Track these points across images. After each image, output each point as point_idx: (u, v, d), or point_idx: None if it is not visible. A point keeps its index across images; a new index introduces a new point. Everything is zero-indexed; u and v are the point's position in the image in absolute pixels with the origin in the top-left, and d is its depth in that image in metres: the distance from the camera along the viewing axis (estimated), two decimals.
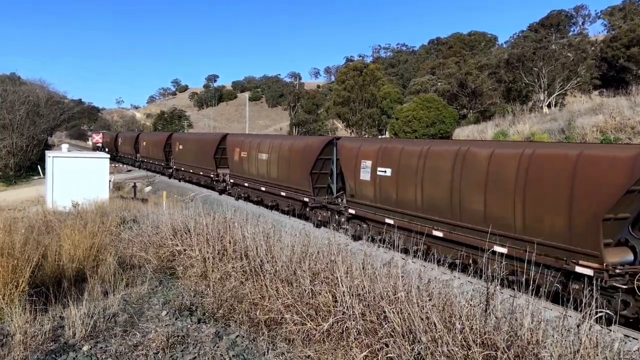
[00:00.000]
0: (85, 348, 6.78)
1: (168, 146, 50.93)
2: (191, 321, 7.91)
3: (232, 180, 34.83)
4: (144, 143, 60.30)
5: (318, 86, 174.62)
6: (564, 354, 5.40)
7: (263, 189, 30.00)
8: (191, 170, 43.61)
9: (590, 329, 5.76)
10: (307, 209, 25.79)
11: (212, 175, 38.49)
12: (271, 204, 29.59)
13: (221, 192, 37.51)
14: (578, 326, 5.85)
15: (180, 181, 47.25)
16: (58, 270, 9.65)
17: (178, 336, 7.18)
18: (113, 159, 64.49)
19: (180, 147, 46.72)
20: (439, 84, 70.37)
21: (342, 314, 7.31)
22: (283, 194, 27.75)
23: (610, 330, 7.74)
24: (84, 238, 10.59)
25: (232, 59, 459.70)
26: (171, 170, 50.05)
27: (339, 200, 23.63)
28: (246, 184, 32.31)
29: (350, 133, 74.72)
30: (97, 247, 10.71)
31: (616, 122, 36.01)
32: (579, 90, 60.14)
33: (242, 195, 33.75)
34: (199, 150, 41.35)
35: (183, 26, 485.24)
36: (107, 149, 75.23)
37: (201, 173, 41.02)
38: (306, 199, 25.48)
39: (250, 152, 31.33)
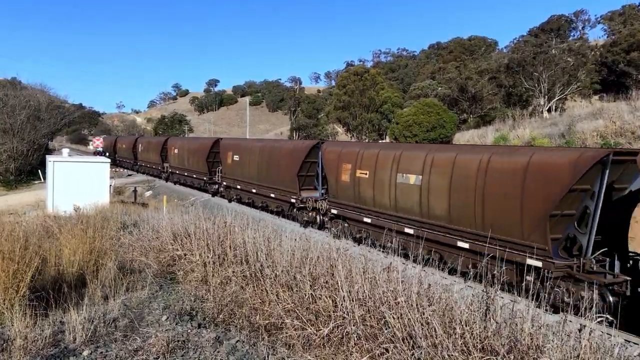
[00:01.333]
0: (85, 353, 6.78)
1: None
2: (191, 326, 7.90)
3: (224, 183, 35.85)
4: (141, 147, 60.59)
5: (318, 91, 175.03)
6: (564, 359, 5.40)
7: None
8: (185, 174, 44.67)
9: (590, 334, 5.77)
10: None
11: (205, 178, 39.62)
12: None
13: (214, 194, 38.55)
14: (580, 330, 5.85)
15: (175, 184, 48.14)
16: (58, 274, 9.65)
17: (178, 341, 7.18)
18: (113, 163, 64.64)
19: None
20: (439, 88, 70.46)
21: (342, 319, 7.32)
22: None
23: (611, 335, 7.77)
24: (84, 243, 10.60)
25: (232, 63, 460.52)
26: (167, 173, 50.74)
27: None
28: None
29: (351, 138, 74.80)
30: (98, 251, 10.71)
31: (616, 126, 36.05)
32: (579, 94, 60.23)
33: (235, 197, 34.75)
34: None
35: (183, 31, 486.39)
36: (107, 153, 75.32)
37: (195, 176, 42.20)
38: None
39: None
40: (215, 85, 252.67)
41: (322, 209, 24.48)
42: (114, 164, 66.59)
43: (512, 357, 5.77)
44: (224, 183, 35.87)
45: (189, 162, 43.49)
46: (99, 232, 11.91)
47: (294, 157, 26.63)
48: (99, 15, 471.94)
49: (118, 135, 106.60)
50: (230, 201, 34.84)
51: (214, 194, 38.53)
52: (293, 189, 26.41)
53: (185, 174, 44.62)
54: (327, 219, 24.17)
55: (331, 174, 23.12)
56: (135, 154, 57.91)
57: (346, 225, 22.53)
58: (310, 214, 25.65)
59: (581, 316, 9.30)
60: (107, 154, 73.17)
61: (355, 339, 7.00)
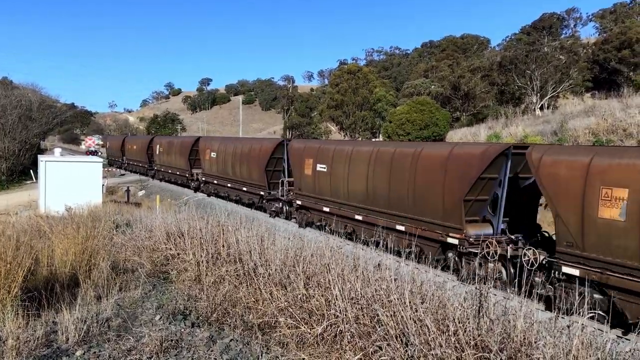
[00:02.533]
0: (78, 353, 6.75)
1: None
2: (185, 325, 7.88)
3: (204, 179, 38.81)
4: (160, 148, 59.73)
5: (311, 89, 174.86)
6: (556, 356, 5.42)
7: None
8: (169, 171, 47.39)
9: (582, 330, 5.79)
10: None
11: (187, 175, 42.45)
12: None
13: (195, 189, 41.24)
14: (569, 327, 5.88)
15: (160, 181, 49.92)
16: (51, 274, 9.60)
17: (172, 340, 7.16)
18: (119, 167, 63.49)
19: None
20: (432, 86, 70.54)
21: (336, 318, 7.32)
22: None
23: (603, 331, 7.83)
24: (77, 243, 10.54)
25: (225, 62, 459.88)
26: (153, 171, 51.93)
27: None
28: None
29: (344, 136, 74.84)
30: (90, 251, 10.65)
31: (608, 124, 36.23)
32: (571, 92, 60.50)
33: (213, 191, 37.57)
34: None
35: (176, 30, 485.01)
36: (97, 153, 74.72)
37: (178, 173, 45.02)
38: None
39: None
40: (208, 84, 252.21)
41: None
42: (121, 167, 64.56)
43: (505, 353, 5.79)
44: (203, 179, 38.72)
45: (173, 160, 46.26)
46: (91, 231, 11.86)
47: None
48: (90, 14, 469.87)
49: (126, 134, 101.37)
50: (209, 195, 37.80)
51: (195, 190, 41.20)
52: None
53: (170, 171, 47.72)
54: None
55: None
56: (151, 156, 51.95)
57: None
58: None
59: (573, 313, 9.36)
60: (110, 157, 71.01)
61: (349, 337, 7.01)
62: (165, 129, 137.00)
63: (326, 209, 22.61)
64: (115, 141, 48.46)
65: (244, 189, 31.48)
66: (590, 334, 5.98)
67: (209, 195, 37.83)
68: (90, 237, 11.44)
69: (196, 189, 41.08)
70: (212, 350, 6.97)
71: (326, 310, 7.58)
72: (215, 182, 36.28)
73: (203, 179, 38.78)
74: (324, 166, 22.73)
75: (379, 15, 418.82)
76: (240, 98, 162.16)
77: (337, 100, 75.18)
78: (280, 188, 27.98)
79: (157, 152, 50.63)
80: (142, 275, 10.41)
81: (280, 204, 28.12)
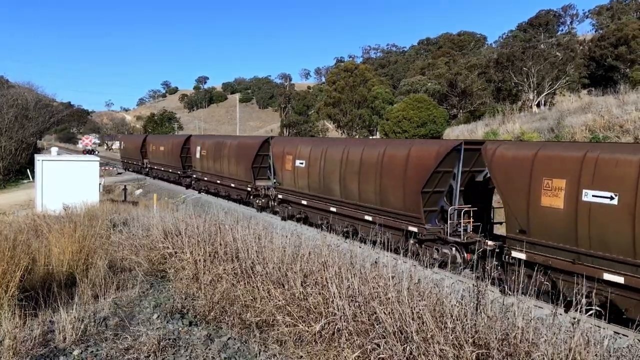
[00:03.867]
0: (75, 352, 6.73)
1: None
2: (182, 324, 7.87)
3: (195, 176, 39.82)
4: (152, 147, 58.95)
5: (308, 87, 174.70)
6: (556, 352, 5.42)
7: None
8: (162, 169, 48.16)
9: (579, 326, 5.79)
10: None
11: (179, 172, 43.30)
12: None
13: (187, 187, 42.04)
14: (573, 324, 5.86)
15: (154, 178, 50.32)
16: (48, 274, 9.57)
17: (169, 339, 7.15)
18: (137, 172, 56.61)
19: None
20: (429, 84, 70.54)
21: (334, 315, 7.31)
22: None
23: (600, 327, 7.85)
24: (74, 242, 10.51)
25: (222, 60, 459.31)
26: (190, 179, 49.00)
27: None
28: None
29: (341, 134, 74.79)
30: (87, 250, 10.63)
31: (605, 120, 36.22)
32: (568, 89, 60.50)
33: (204, 188, 38.61)
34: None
35: (173, 28, 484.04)
36: (96, 152, 74.39)
37: (170, 170, 45.78)
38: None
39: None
40: (205, 83, 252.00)
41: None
42: (140, 172, 54.84)
43: (504, 350, 5.78)
44: (194, 176, 39.71)
45: (165, 158, 46.71)
46: (88, 230, 11.82)
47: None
48: (86, 13, 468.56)
49: (146, 133, 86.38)
50: (199, 192, 38.80)
51: (187, 187, 42.07)
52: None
53: (162, 169, 48.23)
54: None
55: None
56: (185, 160, 42.08)
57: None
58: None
59: (572, 310, 9.37)
60: (126, 159, 61.26)
61: (347, 334, 7.00)
62: (162, 127, 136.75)
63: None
64: (132, 141, 48.27)
65: (233, 185, 32.62)
66: (587, 330, 5.98)
67: (199, 192, 38.97)
68: (87, 236, 11.42)
69: (188, 186, 42.28)
70: (209, 349, 6.96)
71: (324, 308, 7.57)
72: (206, 179, 37.31)
73: (194, 176, 39.88)
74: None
75: (376, 12, 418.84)
76: (237, 96, 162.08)
77: (335, 98, 75.08)
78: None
79: (150, 150, 50.10)
80: (140, 274, 10.38)
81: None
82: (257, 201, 29.89)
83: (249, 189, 30.40)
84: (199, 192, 38.97)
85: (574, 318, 5.99)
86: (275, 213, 28.23)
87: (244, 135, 63.59)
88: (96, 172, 27.64)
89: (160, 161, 48.47)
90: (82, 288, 8.98)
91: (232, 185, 32.79)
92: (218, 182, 35.08)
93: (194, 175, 40.11)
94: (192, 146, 40.25)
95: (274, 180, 28.06)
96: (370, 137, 63.28)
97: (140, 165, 43.71)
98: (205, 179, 37.44)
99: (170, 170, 45.90)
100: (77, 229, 11.46)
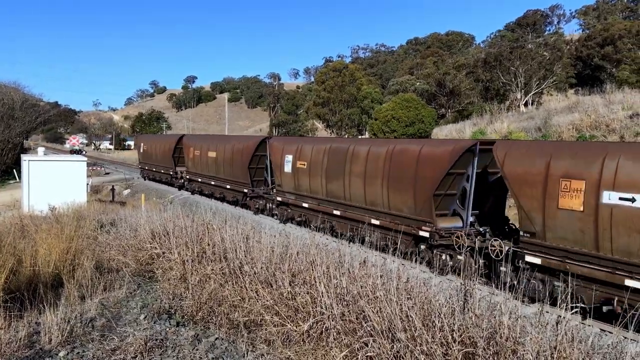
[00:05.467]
0: (61, 354, 6.69)
1: (179, 151, 48.30)
2: (170, 324, 7.84)
3: (188, 177, 38.08)
4: (192, 152, 54.41)
5: (298, 87, 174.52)
6: (542, 350, 5.46)
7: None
8: (154, 169, 45.83)
9: (566, 325, 5.83)
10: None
11: (171, 173, 41.41)
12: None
13: (180, 187, 40.39)
14: (557, 323, 5.91)
15: (145, 179, 48.23)
16: (34, 275, 9.49)
17: (156, 340, 7.11)
18: (168, 183, 44.36)
19: (196, 153, 46.43)
20: (418, 83, 70.72)
21: (322, 315, 7.31)
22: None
23: (586, 325, 7.93)
24: (60, 242, 10.44)
25: (210, 60, 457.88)
26: (183, 180, 45.90)
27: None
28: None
29: (330, 133, 74.79)
30: (74, 251, 10.55)
31: (591, 120, 36.52)
32: (555, 88, 60.95)
33: (197, 189, 37.09)
34: (160, 150, 43.97)
35: (161, 27, 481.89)
36: (84, 152, 73.56)
37: (162, 171, 43.67)
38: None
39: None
40: (193, 82, 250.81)
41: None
42: (171, 184, 42.50)
43: (491, 349, 5.81)
44: (187, 177, 37.87)
45: (157, 158, 44.08)
46: (75, 231, 11.74)
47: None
48: (73, 12, 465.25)
49: (185, 134, 60.95)
50: (193, 193, 37.23)
51: (180, 188, 40.53)
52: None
53: (154, 169, 45.54)
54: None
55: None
56: (254, 174, 29.22)
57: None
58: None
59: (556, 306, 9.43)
60: (147, 166, 48.22)
61: (335, 334, 7.00)
62: (151, 127, 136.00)
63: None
64: (158, 143, 40.42)
65: (228, 186, 31.30)
66: (573, 328, 6.02)
67: (192, 193, 37.56)
68: (74, 236, 11.34)
69: (181, 187, 40.62)
70: (197, 349, 6.93)
71: (312, 307, 7.57)
72: (199, 180, 35.92)
73: (187, 177, 38.21)
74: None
75: (365, 12, 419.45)
76: (225, 96, 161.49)
77: (324, 98, 75.04)
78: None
79: (142, 150, 46.53)
80: (127, 274, 10.32)
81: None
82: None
83: (245, 190, 29.20)
84: (192, 194, 37.31)
85: (559, 316, 6.03)
86: (273, 215, 27.04)
87: (240, 135, 61.38)
88: (83, 172, 27.50)
89: (152, 162, 43.77)
90: (69, 289, 8.92)
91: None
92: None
93: (187, 177, 37.70)
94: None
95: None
96: (360, 137, 63.31)
97: (170, 174, 38.29)
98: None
99: (162, 171, 41.78)
100: (64, 230, 11.38)
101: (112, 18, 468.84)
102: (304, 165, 22.98)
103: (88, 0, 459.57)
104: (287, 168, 24.33)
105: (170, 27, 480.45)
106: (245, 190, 29.09)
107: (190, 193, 37.07)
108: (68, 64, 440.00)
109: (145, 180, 38.02)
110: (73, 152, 78.56)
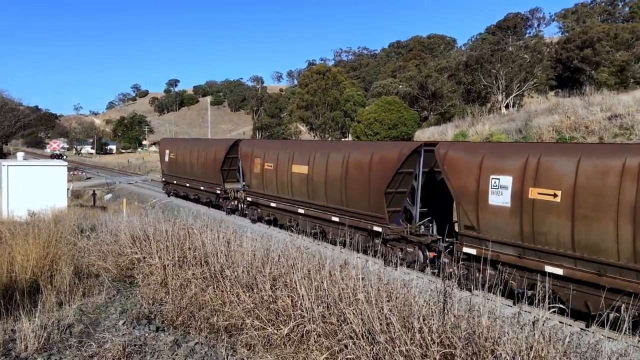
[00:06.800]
0: None
1: (233, 161, 41.85)
2: (149, 330, 7.76)
3: (164, 179, 38.83)
4: (172, 155, 52.36)
5: (281, 90, 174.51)
6: (519, 350, 5.49)
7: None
8: (187, 184, 45.72)
9: (543, 325, 5.88)
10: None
11: (217, 191, 40.82)
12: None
13: (231, 211, 36.86)
14: (534, 323, 5.95)
15: (169, 195, 46.36)
16: (11, 281, 9.35)
17: (135, 345, 7.04)
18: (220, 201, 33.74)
19: (173, 155, 47.14)
20: (400, 86, 71.05)
21: (302, 318, 7.29)
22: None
23: (564, 324, 8.02)
24: (38, 248, 10.29)
25: (193, 63, 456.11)
26: (239, 203, 43.65)
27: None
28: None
29: (314, 136, 74.84)
30: (52, 257, 10.41)
31: (571, 121, 36.95)
32: (535, 90, 61.60)
33: (173, 192, 37.60)
34: (199, 160, 45.44)
35: (142, 30, 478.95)
36: (64, 157, 72.61)
37: (202, 188, 44.35)
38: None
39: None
40: (176, 86, 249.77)
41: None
42: (218, 205, 31.64)
43: (470, 349, 5.84)
44: (164, 179, 38.38)
45: None
46: (54, 236, 11.59)
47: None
48: (55, 15, 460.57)
49: (241, 139, 41.20)
50: (169, 195, 37.56)
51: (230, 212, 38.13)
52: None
53: None
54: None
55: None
56: (392, 201, 18.38)
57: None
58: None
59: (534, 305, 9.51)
60: (174, 179, 38.23)
61: (315, 336, 6.99)
62: (132, 131, 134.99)
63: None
64: (198, 151, 32.48)
65: (202, 188, 31.94)
66: (551, 328, 6.07)
67: (169, 196, 37.90)
68: (53, 242, 11.19)
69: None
70: (176, 354, 6.88)
71: (293, 310, 7.55)
72: (175, 182, 36.42)
73: (164, 179, 38.68)
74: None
75: (347, 15, 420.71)
76: (208, 99, 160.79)
77: (307, 101, 75.09)
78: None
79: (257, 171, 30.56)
80: (106, 280, 10.21)
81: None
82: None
83: (218, 191, 29.98)
84: (169, 196, 37.66)
85: (535, 316, 6.08)
86: (244, 216, 27.90)
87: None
88: (64, 177, 27.15)
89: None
90: (46, 295, 8.79)
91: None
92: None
93: (164, 179, 38.74)
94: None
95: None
96: (343, 139, 63.38)
97: (217, 193, 30.08)
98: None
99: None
100: (42, 235, 11.23)
101: (93, 20, 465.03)
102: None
103: (67, 2, 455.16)
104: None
105: (153, 30, 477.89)
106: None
107: (252, 221, 26.93)
108: (48, 67, 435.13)
109: (169, 197, 36.89)
110: (54, 156, 77.69)
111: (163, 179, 39.56)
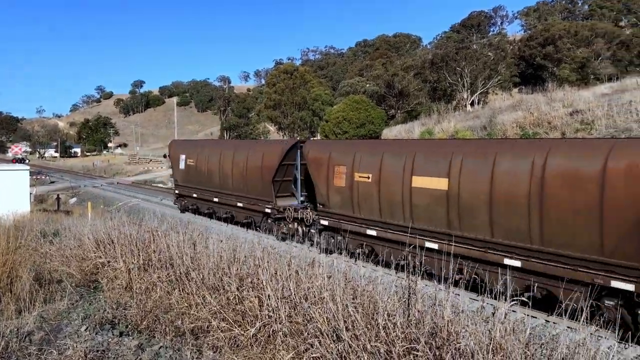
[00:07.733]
0: None
1: (295, 168, 28.47)
2: (113, 335, 7.63)
3: (177, 192, 31.06)
4: (190, 162, 44.25)
5: (248, 89, 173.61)
6: (479, 342, 5.57)
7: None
8: (215, 199, 35.61)
9: (505, 317, 5.97)
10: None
11: (266, 209, 29.41)
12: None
13: (282, 237, 30.81)
14: (493, 314, 6.04)
15: (184, 212, 40.96)
16: None
17: (98, 351, 6.91)
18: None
19: (192, 161, 35.98)
20: (367, 85, 71.43)
21: (269, 318, 7.27)
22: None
23: (527, 315, 8.19)
24: None
25: (159, 64, 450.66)
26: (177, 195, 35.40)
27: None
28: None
29: (283, 136, 74.71)
30: (11, 264, 10.15)
31: (534, 117, 37.64)
32: (500, 87, 62.67)
33: (191, 207, 30.55)
34: (236, 167, 41.12)
35: (106, 30, 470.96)
36: (27, 161, 71.05)
37: (239, 204, 35.66)
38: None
39: (200, 159, 33.85)
40: (141, 87, 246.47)
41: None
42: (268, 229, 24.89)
43: (433, 344, 5.89)
44: (177, 191, 31.37)
45: None
46: (13, 242, 11.31)
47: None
48: (11, 15, 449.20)
49: (305, 139, 39.54)
50: (183, 211, 30.20)
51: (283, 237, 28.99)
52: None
53: None
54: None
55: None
56: None
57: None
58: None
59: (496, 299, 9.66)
60: (197, 195, 30.31)
61: (282, 336, 6.98)
62: (97, 133, 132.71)
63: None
64: (233, 156, 25.37)
65: (240, 204, 24.53)
66: (513, 321, 6.17)
67: (182, 211, 30.11)
68: (12, 248, 10.92)
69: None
70: (140, 359, 6.78)
71: (259, 310, 7.53)
72: (194, 195, 28.72)
73: (176, 191, 31.42)
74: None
75: (313, 15, 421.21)
76: (174, 100, 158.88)
77: (275, 101, 74.92)
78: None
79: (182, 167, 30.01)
80: (68, 285, 10.00)
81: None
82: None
83: (267, 210, 22.81)
84: (182, 212, 29.86)
85: (494, 307, 6.17)
86: (311, 243, 20.29)
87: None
88: (26, 181, 26.63)
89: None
90: (5, 303, 8.57)
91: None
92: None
93: (177, 191, 30.96)
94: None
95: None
96: (312, 139, 63.40)
97: (265, 212, 23.03)
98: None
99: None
100: (1, 241, 10.95)
101: (54, 20, 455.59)
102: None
103: (26, 2, 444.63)
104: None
105: (116, 30, 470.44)
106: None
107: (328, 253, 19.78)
108: (7, 69, 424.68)
109: (184, 213, 29.72)
110: (16, 160, 75.93)
111: (176, 191, 31.62)
